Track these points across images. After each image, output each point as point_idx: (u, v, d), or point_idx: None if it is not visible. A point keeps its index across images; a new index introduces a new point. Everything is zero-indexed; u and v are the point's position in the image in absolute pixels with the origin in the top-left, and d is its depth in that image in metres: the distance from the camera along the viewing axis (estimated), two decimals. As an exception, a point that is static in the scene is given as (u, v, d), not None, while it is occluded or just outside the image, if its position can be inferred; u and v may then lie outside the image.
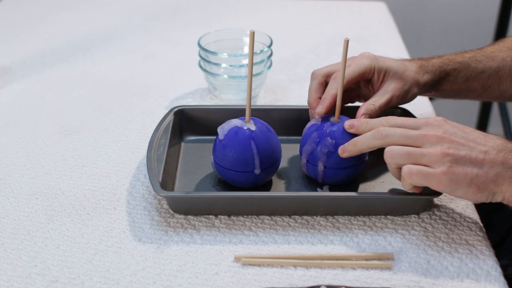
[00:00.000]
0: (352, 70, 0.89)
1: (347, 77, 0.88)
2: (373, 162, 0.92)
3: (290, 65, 1.26)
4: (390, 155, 0.77)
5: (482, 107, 2.24)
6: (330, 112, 0.88)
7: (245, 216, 0.84)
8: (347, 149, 0.82)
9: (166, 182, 0.85)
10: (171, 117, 0.96)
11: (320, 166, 0.86)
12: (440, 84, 0.96)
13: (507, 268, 0.86)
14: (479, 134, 0.77)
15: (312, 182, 0.90)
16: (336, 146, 0.84)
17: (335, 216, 0.84)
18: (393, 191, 0.88)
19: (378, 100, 0.89)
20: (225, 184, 0.88)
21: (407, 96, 0.92)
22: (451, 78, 0.96)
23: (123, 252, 0.78)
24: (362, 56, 0.91)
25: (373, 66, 0.89)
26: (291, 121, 0.99)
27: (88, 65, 1.26)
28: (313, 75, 0.92)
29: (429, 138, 0.76)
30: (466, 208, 0.86)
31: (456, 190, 0.75)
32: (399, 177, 0.78)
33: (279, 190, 0.89)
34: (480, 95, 1.01)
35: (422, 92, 0.94)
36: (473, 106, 2.35)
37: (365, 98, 0.94)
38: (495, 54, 1.00)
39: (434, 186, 0.76)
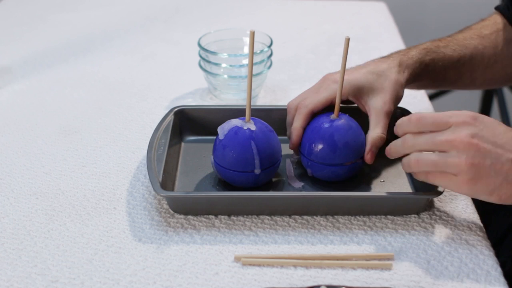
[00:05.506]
0: (320, 97, 0.89)
1: (314, 103, 0.88)
2: (372, 162, 0.92)
3: (290, 65, 1.26)
4: (417, 164, 0.77)
5: (482, 106, 2.24)
6: (297, 145, 0.89)
7: (245, 216, 0.84)
8: (389, 154, 0.83)
9: (166, 182, 0.85)
10: (171, 117, 0.96)
11: (310, 159, 0.87)
12: (420, 76, 0.96)
13: (505, 265, 0.86)
14: (509, 137, 0.74)
15: (313, 182, 0.90)
16: (329, 142, 0.85)
17: (335, 216, 0.84)
18: (393, 191, 0.88)
19: (377, 126, 0.88)
20: (225, 184, 0.88)
21: (397, 102, 0.92)
22: (430, 69, 0.96)
23: (123, 252, 0.78)
24: (331, 81, 0.90)
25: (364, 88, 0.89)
26: (291, 121, 0.99)
27: (88, 65, 1.26)
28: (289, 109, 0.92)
29: (455, 144, 0.73)
30: (466, 208, 0.86)
31: (478, 197, 0.76)
32: (426, 179, 0.79)
33: (279, 190, 0.89)
34: (453, 83, 1.02)
35: (406, 87, 0.94)
36: (473, 106, 2.35)
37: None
38: (467, 42, 1.01)
39: (454, 190, 0.77)
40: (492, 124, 0.75)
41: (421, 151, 0.77)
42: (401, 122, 0.80)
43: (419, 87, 1.01)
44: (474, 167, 0.73)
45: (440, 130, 0.75)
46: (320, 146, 0.86)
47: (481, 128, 0.74)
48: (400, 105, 1.01)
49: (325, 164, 0.86)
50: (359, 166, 0.88)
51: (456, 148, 0.73)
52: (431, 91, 2.25)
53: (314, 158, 0.86)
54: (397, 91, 0.91)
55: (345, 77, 0.88)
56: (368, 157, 0.87)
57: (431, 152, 0.76)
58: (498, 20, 1.04)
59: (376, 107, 0.88)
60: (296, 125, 0.88)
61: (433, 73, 0.97)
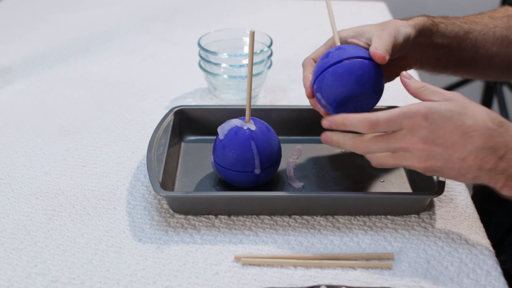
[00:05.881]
0: (321, 47, 0.89)
1: (315, 53, 0.89)
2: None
3: (290, 65, 1.26)
4: (378, 165, 0.79)
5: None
6: (311, 89, 0.85)
7: (245, 216, 0.84)
8: (332, 123, 0.80)
9: (166, 182, 0.85)
10: (171, 117, 0.96)
11: (316, 79, 0.84)
12: (431, 35, 0.94)
13: (505, 262, 0.86)
14: (459, 135, 0.74)
15: (313, 182, 0.90)
16: (325, 54, 0.83)
17: (335, 216, 0.84)
18: (393, 191, 0.88)
19: (379, 41, 0.84)
20: (225, 184, 0.88)
21: (401, 36, 0.88)
22: (440, 29, 0.95)
23: (123, 252, 0.78)
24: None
25: (364, 32, 0.88)
26: (291, 121, 0.99)
27: (88, 65, 1.26)
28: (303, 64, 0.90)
29: (408, 149, 0.76)
30: (466, 208, 0.86)
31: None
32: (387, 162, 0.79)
33: (279, 190, 0.89)
34: (472, 59, 1.01)
35: (416, 39, 0.91)
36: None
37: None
38: (478, 20, 1.01)
39: None
40: (443, 122, 0.74)
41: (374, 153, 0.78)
42: (350, 123, 0.78)
43: (438, 57, 0.97)
44: (428, 167, 0.76)
45: (393, 131, 0.76)
46: (318, 61, 0.84)
47: (432, 129, 0.74)
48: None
49: (325, 67, 0.82)
50: (362, 68, 0.81)
51: (409, 152, 0.76)
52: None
53: (317, 71, 0.83)
54: (398, 27, 0.88)
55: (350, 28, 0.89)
56: (378, 52, 0.82)
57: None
58: (509, 9, 1.04)
59: (377, 33, 0.86)
60: (304, 75, 0.87)
61: (445, 37, 0.96)
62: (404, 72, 0.80)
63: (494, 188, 0.77)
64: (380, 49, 0.82)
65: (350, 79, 0.80)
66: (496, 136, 0.74)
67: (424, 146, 0.75)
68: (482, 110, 0.75)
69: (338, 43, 0.86)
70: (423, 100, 0.77)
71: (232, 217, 0.84)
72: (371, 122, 0.76)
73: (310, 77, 0.87)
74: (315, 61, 0.89)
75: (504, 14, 1.04)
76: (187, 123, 0.99)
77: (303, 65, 0.90)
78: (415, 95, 0.78)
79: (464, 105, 0.75)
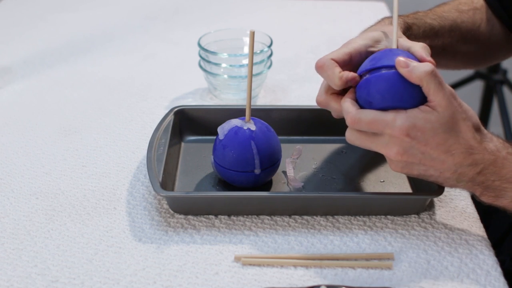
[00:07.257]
0: (339, 51, 0.82)
1: (332, 55, 0.81)
2: (372, 162, 0.92)
3: (290, 65, 1.26)
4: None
5: (482, 106, 2.24)
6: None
7: (245, 216, 0.84)
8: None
9: (166, 182, 0.85)
10: (171, 117, 0.96)
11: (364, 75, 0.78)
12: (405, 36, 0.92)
13: (505, 263, 0.86)
14: (439, 152, 0.74)
15: (312, 183, 0.90)
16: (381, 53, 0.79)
17: (335, 216, 0.84)
18: (393, 191, 0.88)
19: (413, 44, 0.82)
20: (225, 184, 0.88)
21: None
22: (414, 32, 0.95)
23: (123, 252, 0.78)
24: (348, 42, 0.83)
25: (381, 37, 0.84)
26: (291, 121, 0.99)
27: (88, 65, 1.26)
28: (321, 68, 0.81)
29: (387, 156, 0.76)
30: (466, 208, 0.86)
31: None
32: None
33: (279, 190, 0.89)
34: (437, 55, 0.97)
35: None
36: (473, 106, 2.35)
37: None
38: (446, 14, 1.01)
39: None
40: (425, 139, 0.74)
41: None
42: (343, 107, 0.77)
43: None
44: (404, 172, 0.78)
45: (375, 132, 0.75)
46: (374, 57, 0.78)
47: (413, 144, 0.74)
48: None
49: (380, 68, 0.76)
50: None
51: (387, 157, 0.77)
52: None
53: (368, 66, 0.78)
54: (401, 35, 0.87)
55: (358, 36, 0.84)
56: (431, 59, 0.79)
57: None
58: (475, 0, 1.06)
59: (399, 40, 0.82)
60: (335, 82, 0.79)
61: (418, 37, 0.95)
62: (400, 61, 0.75)
63: (474, 194, 0.79)
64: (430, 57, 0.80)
65: (390, 79, 0.76)
66: (476, 154, 0.75)
67: (403, 158, 0.75)
68: (466, 126, 0.75)
69: (395, 46, 0.81)
70: (424, 89, 0.74)
71: (232, 217, 0.84)
72: (353, 118, 0.75)
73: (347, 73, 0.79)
74: (336, 62, 0.80)
75: (470, 7, 1.04)
76: (187, 123, 0.99)
77: (325, 69, 0.80)
78: (419, 84, 0.74)
79: (451, 120, 0.74)
